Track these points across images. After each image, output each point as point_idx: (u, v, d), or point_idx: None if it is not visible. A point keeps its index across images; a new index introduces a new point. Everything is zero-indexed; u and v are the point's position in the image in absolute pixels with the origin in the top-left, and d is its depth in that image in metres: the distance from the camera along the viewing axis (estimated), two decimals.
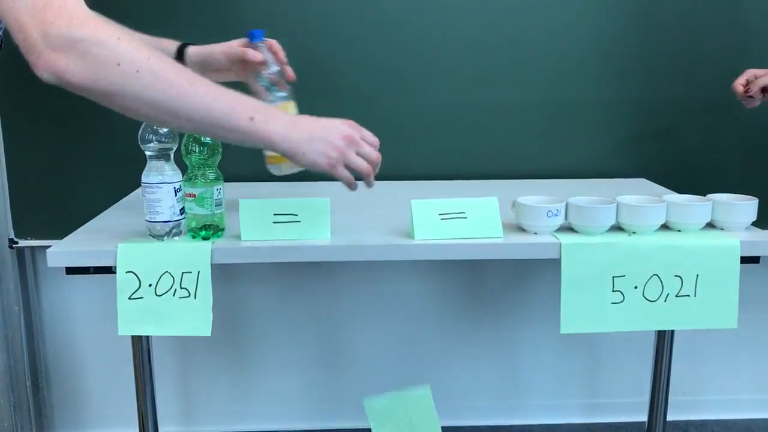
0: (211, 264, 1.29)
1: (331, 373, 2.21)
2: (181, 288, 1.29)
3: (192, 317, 1.30)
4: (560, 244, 1.31)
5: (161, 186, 1.29)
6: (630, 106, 1.96)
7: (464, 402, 2.26)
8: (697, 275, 1.33)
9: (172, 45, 1.42)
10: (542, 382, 2.27)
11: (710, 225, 1.40)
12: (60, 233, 1.40)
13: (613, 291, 1.33)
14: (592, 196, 1.39)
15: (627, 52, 1.93)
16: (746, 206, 1.38)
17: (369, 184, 1.21)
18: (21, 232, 1.93)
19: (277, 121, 1.11)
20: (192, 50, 1.42)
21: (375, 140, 1.20)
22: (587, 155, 1.99)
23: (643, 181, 1.95)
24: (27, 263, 2.06)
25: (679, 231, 1.38)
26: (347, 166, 1.17)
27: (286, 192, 1.69)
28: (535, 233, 1.36)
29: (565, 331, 1.33)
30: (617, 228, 1.38)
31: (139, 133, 1.28)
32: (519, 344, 2.23)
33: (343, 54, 1.90)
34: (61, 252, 1.30)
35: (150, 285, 1.28)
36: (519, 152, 1.98)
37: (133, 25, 1.17)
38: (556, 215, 1.34)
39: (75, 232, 1.41)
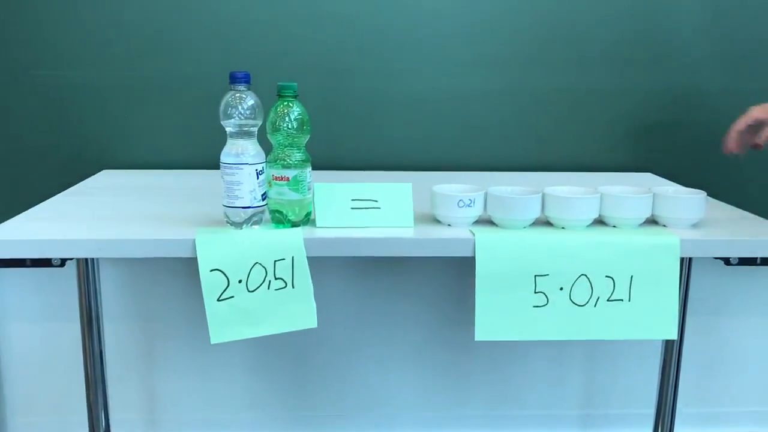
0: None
1: (305, 379, 2.12)
2: (276, 279, 1.16)
3: (293, 310, 1.17)
4: (474, 239, 1.18)
5: (242, 167, 1.16)
6: (636, 97, 1.89)
7: (454, 412, 2.17)
8: (632, 276, 1.18)
9: None
10: (536, 390, 2.16)
11: (653, 222, 1.26)
12: None
13: (535, 292, 1.19)
14: (521, 186, 1.26)
15: (632, 37, 1.87)
16: (690, 201, 1.22)
17: None
18: None
19: None
20: None
21: None
22: (592, 147, 1.93)
23: (649, 176, 1.86)
24: None
25: (615, 227, 1.23)
26: None
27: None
28: (449, 225, 1.24)
29: (480, 338, 1.22)
30: (546, 223, 1.24)
31: (221, 107, 1.17)
32: (512, 350, 2.13)
33: (326, 40, 1.84)
34: None
35: (240, 281, 1.15)
36: (518, 143, 1.92)
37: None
38: (469, 205, 1.21)
39: (10, 220, 1.30)
